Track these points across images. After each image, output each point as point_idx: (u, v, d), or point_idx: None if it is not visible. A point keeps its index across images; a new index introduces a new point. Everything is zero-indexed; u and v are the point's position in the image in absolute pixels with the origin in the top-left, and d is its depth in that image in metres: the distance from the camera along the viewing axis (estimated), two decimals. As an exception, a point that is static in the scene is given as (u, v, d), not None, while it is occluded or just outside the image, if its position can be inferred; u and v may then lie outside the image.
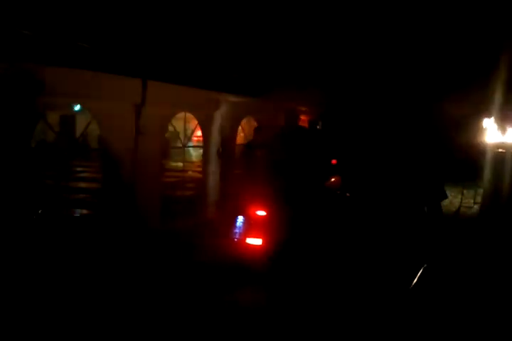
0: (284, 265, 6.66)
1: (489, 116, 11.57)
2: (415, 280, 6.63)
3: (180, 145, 10.89)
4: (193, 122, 10.97)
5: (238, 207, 7.77)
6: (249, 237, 7.11)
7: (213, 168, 10.54)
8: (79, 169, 10.48)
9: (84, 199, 9.13)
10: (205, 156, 10.64)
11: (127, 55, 7.92)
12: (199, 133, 11.01)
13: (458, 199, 13.29)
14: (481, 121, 11.79)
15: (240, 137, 12.06)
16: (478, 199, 12.69)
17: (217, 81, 9.90)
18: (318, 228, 7.13)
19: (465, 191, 13.48)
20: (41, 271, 6.03)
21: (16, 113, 6.32)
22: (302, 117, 8.60)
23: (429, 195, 8.65)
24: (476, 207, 12.63)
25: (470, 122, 12.45)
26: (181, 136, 10.99)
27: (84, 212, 8.68)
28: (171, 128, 10.35)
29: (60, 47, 6.73)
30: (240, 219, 7.58)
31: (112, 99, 7.87)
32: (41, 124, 7.37)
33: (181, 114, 10.56)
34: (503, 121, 11.54)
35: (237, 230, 7.56)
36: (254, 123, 12.27)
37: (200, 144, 10.96)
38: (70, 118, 10.46)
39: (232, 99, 10.59)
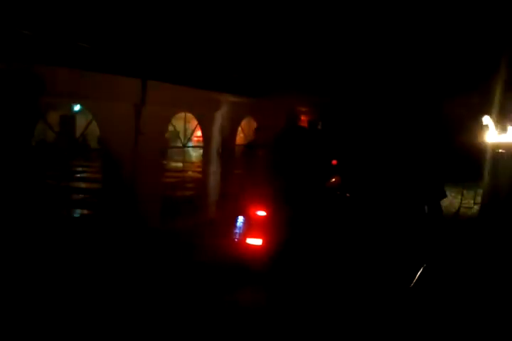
0: (285, 265, 6.66)
1: (489, 116, 11.56)
2: (415, 279, 6.63)
3: (180, 145, 10.89)
4: (193, 122, 10.98)
5: (238, 207, 7.77)
6: (249, 237, 7.11)
7: (213, 168, 10.54)
8: (79, 169, 10.48)
9: (85, 200, 9.13)
10: (205, 156, 10.65)
11: (127, 55, 7.93)
12: (199, 133, 11.01)
13: (458, 200, 13.26)
14: (481, 121, 11.78)
15: (240, 137, 12.07)
16: (478, 199, 12.65)
17: (217, 81, 9.90)
18: (319, 228, 7.13)
19: (465, 191, 13.45)
20: (42, 271, 6.03)
21: (17, 112, 6.32)
22: (302, 117, 8.59)
23: (429, 194, 8.65)
24: (476, 207, 12.60)
25: (470, 122, 12.44)
26: (181, 136, 10.99)
27: (85, 212, 8.68)
28: (170, 128, 10.35)
29: (60, 47, 6.73)
30: (241, 219, 7.59)
31: (112, 99, 7.87)
32: (41, 124, 7.37)
33: (181, 114, 10.56)
34: (503, 121, 11.53)
35: (237, 230, 7.57)
36: (254, 124, 12.27)
37: (200, 144, 10.96)
38: (70, 118, 10.46)
39: (232, 99, 10.59)
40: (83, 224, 8.04)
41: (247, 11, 9.89)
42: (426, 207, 8.79)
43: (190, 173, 11.55)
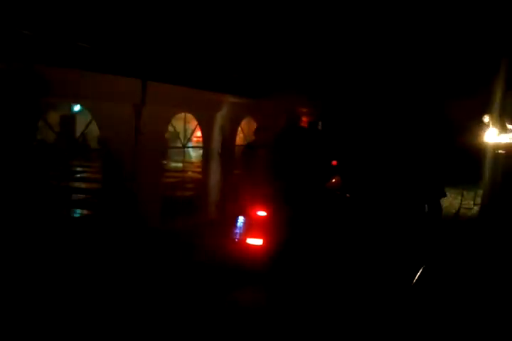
0: (285, 265, 6.66)
1: (489, 117, 11.56)
2: (415, 279, 6.64)
3: (180, 145, 10.89)
4: (193, 122, 10.98)
5: (239, 208, 7.77)
6: (249, 237, 7.11)
7: (213, 168, 10.54)
8: (79, 169, 10.45)
9: (85, 200, 9.11)
10: (205, 157, 10.64)
11: (127, 56, 7.93)
12: (199, 133, 11.01)
13: (458, 201, 13.28)
14: (482, 121, 11.78)
15: (240, 138, 12.06)
16: (478, 200, 12.67)
17: (217, 82, 9.90)
18: (319, 228, 7.12)
19: (465, 192, 13.47)
20: (42, 271, 6.02)
21: (19, 113, 6.32)
22: (302, 118, 8.59)
23: (429, 193, 8.67)
24: (475, 208, 12.61)
25: (470, 123, 12.44)
26: (181, 136, 10.99)
27: (85, 212, 8.66)
28: (170, 128, 10.35)
29: (60, 48, 6.73)
30: (241, 219, 7.59)
31: (112, 99, 7.87)
32: (41, 124, 7.36)
33: (181, 115, 10.56)
34: (503, 122, 11.54)
35: (237, 230, 7.57)
36: (254, 124, 12.26)
37: (200, 145, 10.96)
38: (70, 118, 10.45)
39: (233, 99, 10.59)
40: (83, 224, 8.03)
41: (247, 12, 9.89)
42: (426, 206, 8.81)
43: (190, 173, 11.53)
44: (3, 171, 6.11)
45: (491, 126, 11.51)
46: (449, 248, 8.29)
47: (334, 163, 8.44)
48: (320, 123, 10.07)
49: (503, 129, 11.53)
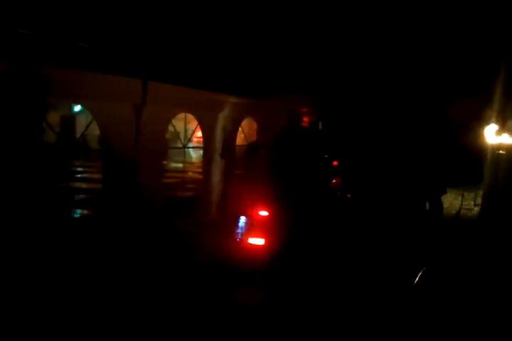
0: (287, 265, 6.64)
1: (490, 118, 11.56)
2: (416, 280, 6.63)
3: (181, 145, 10.88)
4: (193, 123, 10.97)
5: (240, 208, 7.76)
6: (251, 237, 7.10)
7: (214, 168, 10.53)
8: (80, 169, 10.47)
9: (85, 200, 9.11)
10: (206, 157, 10.63)
11: (128, 56, 7.91)
12: (199, 133, 11.00)
13: (458, 201, 13.28)
14: (482, 122, 11.78)
15: (240, 138, 12.05)
16: (479, 201, 12.68)
17: (217, 82, 9.89)
18: (320, 228, 7.11)
19: (465, 193, 13.49)
20: (43, 271, 6.00)
21: (26, 113, 6.32)
22: (303, 118, 8.58)
23: (430, 190, 8.67)
24: (476, 208, 12.62)
25: (471, 123, 12.43)
26: (181, 136, 10.99)
27: (85, 212, 8.66)
28: (171, 128, 10.34)
29: (60, 48, 6.71)
30: (243, 219, 7.58)
31: (113, 99, 7.85)
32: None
33: (181, 115, 10.55)
34: (503, 123, 11.53)
35: (239, 230, 7.56)
36: (255, 124, 12.26)
37: (201, 145, 10.95)
38: (71, 118, 10.45)
39: (233, 100, 10.58)
40: (84, 224, 8.01)
41: (248, 12, 9.89)
42: (427, 204, 8.82)
43: (190, 174, 11.54)
44: (10, 172, 6.10)
45: (491, 127, 11.52)
46: (450, 248, 8.29)
47: (335, 163, 8.44)
48: (320, 123, 10.07)
49: (504, 130, 11.54)
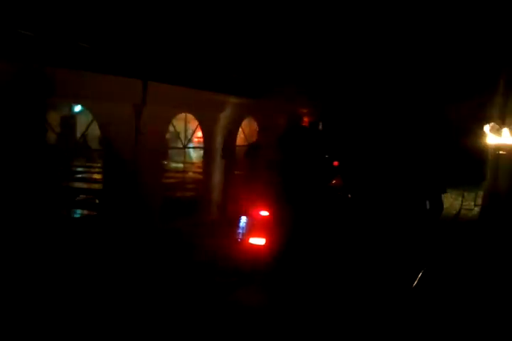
0: (287, 265, 6.64)
1: (490, 118, 11.56)
2: (416, 280, 6.63)
3: (181, 146, 10.87)
4: (194, 123, 10.96)
5: (241, 208, 7.75)
6: (252, 237, 7.09)
7: (214, 168, 10.53)
8: (80, 170, 10.47)
9: (86, 200, 9.11)
10: (206, 157, 10.63)
11: (128, 56, 7.91)
12: (199, 134, 10.99)
13: (458, 202, 13.28)
14: (482, 123, 11.78)
15: (241, 138, 12.03)
16: (479, 201, 12.67)
17: (218, 82, 9.89)
18: (321, 228, 7.11)
19: (465, 193, 13.48)
20: (44, 270, 6.00)
21: (28, 113, 6.32)
22: (304, 118, 8.58)
23: (431, 189, 8.68)
24: (476, 209, 12.60)
25: (471, 124, 12.43)
26: (182, 136, 10.97)
27: (86, 212, 8.65)
28: (171, 128, 10.33)
29: (61, 48, 6.71)
30: (243, 219, 7.58)
31: (113, 99, 7.86)
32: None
33: (182, 115, 10.54)
34: (504, 123, 11.54)
35: (240, 230, 7.55)
36: (255, 125, 12.25)
37: (201, 145, 10.94)
38: (71, 119, 10.45)
39: (233, 100, 10.58)
40: (84, 224, 8.01)
41: (249, 12, 9.89)
42: (427, 202, 8.83)
43: (190, 174, 11.52)
44: (11, 172, 6.10)
45: (492, 127, 11.51)
46: (450, 248, 8.28)
47: (335, 163, 8.43)
48: (320, 123, 10.06)
49: (504, 131, 11.53)
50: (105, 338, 4.91)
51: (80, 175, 10.21)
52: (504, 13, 10.89)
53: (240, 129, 12.03)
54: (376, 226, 7.79)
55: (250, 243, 7.07)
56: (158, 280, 6.39)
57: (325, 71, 11.32)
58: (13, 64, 6.16)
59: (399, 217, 8.14)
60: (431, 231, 8.42)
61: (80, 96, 7.48)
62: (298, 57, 10.93)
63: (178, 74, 8.89)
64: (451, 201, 13.16)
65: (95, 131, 8.67)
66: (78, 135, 9.60)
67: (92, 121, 8.50)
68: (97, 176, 9.87)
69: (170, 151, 11.10)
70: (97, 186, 9.01)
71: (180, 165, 11.23)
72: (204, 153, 10.68)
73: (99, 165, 9.67)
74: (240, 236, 7.56)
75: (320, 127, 9.91)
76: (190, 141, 11.27)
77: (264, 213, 7.21)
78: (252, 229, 7.28)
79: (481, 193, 12.49)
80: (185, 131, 11.13)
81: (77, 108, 10.40)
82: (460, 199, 13.37)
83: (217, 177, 10.58)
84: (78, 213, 8.66)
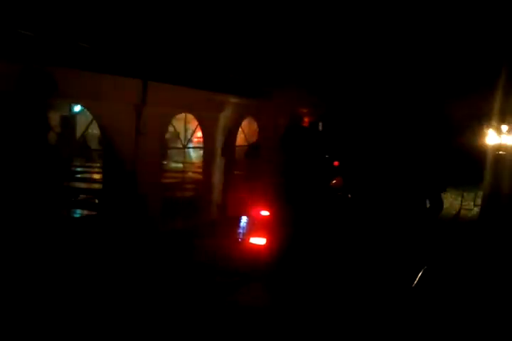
0: (288, 264, 6.63)
1: (490, 119, 11.58)
2: (416, 280, 6.63)
3: (181, 146, 10.86)
4: (193, 123, 10.95)
5: (241, 208, 7.75)
6: (253, 237, 7.09)
7: (214, 169, 10.52)
8: (80, 169, 10.46)
9: (86, 200, 9.10)
10: (206, 157, 10.62)
11: (128, 56, 7.91)
12: (199, 134, 10.99)
13: (458, 202, 13.30)
14: (482, 123, 11.80)
15: (241, 138, 12.03)
16: (478, 201, 12.70)
17: (218, 82, 9.88)
18: (321, 228, 7.10)
19: (465, 193, 13.51)
20: (44, 269, 5.99)
21: (30, 113, 6.32)
22: (304, 118, 8.58)
23: (431, 188, 8.70)
24: (476, 209, 12.63)
25: (471, 124, 12.45)
26: (181, 136, 10.97)
27: (85, 212, 8.65)
28: (171, 128, 10.33)
29: (61, 48, 6.70)
30: (244, 219, 7.58)
31: (113, 99, 7.85)
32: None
33: (181, 115, 10.54)
34: (503, 123, 11.55)
35: (241, 230, 7.55)
36: (255, 125, 12.24)
37: (201, 145, 10.94)
38: (71, 119, 10.44)
39: (233, 100, 10.57)
40: (84, 224, 8.00)
41: (249, 12, 9.89)
42: (427, 201, 8.84)
43: (190, 174, 11.51)
44: (12, 172, 6.10)
45: (491, 127, 11.52)
46: (450, 248, 8.29)
47: (336, 163, 8.43)
48: (320, 123, 10.05)
49: (504, 130, 11.54)
50: (106, 338, 4.90)
51: (79, 175, 10.19)
52: (503, 10, 10.90)
53: (240, 129, 12.02)
54: (376, 226, 7.78)
55: (251, 243, 7.07)
56: (158, 281, 6.39)
57: (325, 71, 11.31)
58: (14, 64, 6.14)
59: (399, 216, 8.13)
60: (431, 230, 8.42)
61: (80, 96, 7.47)
62: (298, 57, 10.93)
63: (178, 74, 8.88)
64: (451, 201, 13.18)
65: (95, 131, 8.66)
66: (78, 135, 9.58)
67: (92, 121, 8.49)
68: (96, 176, 9.86)
69: (170, 151, 11.09)
70: (96, 186, 9.00)
71: (180, 165, 11.21)
72: (204, 153, 10.67)
73: (99, 165, 9.65)
74: (241, 236, 7.56)
75: (320, 127, 9.90)
76: (190, 141, 11.26)
77: (265, 213, 7.21)
78: (252, 228, 7.29)
79: (480, 193, 12.53)
80: (185, 131, 11.12)
81: (77, 108, 10.38)
82: (460, 199, 13.40)
83: (217, 177, 10.57)
84: (78, 213, 8.65)
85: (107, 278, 6.28)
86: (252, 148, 8.67)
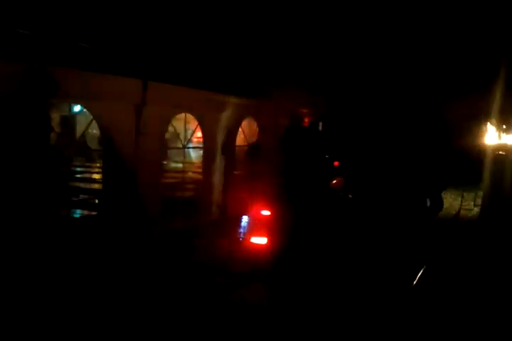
0: (289, 264, 6.63)
1: (489, 119, 11.58)
2: (416, 279, 6.63)
3: (181, 146, 10.86)
4: (193, 123, 10.95)
5: (241, 208, 7.74)
6: (254, 236, 7.08)
7: (214, 168, 10.51)
8: (80, 169, 10.46)
9: (85, 200, 9.10)
10: (206, 157, 10.61)
11: (128, 56, 7.90)
12: (199, 134, 10.98)
13: (458, 202, 13.29)
14: (482, 123, 11.81)
15: (241, 138, 12.02)
16: (478, 201, 12.69)
17: (218, 82, 9.88)
18: (322, 228, 7.10)
19: (465, 193, 13.51)
20: (44, 269, 5.98)
21: (32, 113, 6.32)
22: (304, 118, 8.58)
23: (431, 187, 8.71)
24: (476, 209, 12.62)
25: (471, 124, 12.45)
26: (181, 136, 10.96)
27: (85, 212, 8.64)
28: (171, 128, 10.32)
29: (61, 48, 6.70)
30: (245, 218, 7.57)
31: (113, 99, 7.84)
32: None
33: (181, 115, 10.53)
34: (503, 123, 11.56)
35: (241, 230, 7.55)
36: (255, 125, 12.23)
37: (201, 145, 10.93)
38: (71, 119, 10.43)
39: (234, 100, 10.57)
40: (83, 224, 7.99)
41: (249, 12, 9.89)
42: (428, 200, 8.85)
43: (190, 174, 11.51)
44: (13, 172, 6.09)
45: (491, 127, 11.53)
46: (450, 248, 8.29)
47: (336, 163, 8.43)
48: (320, 123, 10.05)
49: (504, 130, 11.55)
50: (106, 338, 4.89)
51: (79, 175, 10.19)
52: (502, 11, 10.90)
53: (240, 129, 12.02)
54: (377, 225, 7.78)
55: (252, 242, 7.06)
56: (158, 281, 6.38)
57: (325, 71, 11.32)
58: (16, 64, 6.14)
59: (400, 215, 8.14)
60: (431, 229, 8.43)
61: (80, 96, 7.46)
62: (297, 57, 10.93)
63: (178, 74, 8.88)
64: (451, 201, 13.17)
65: (95, 131, 8.66)
66: (78, 135, 9.58)
67: (91, 121, 8.48)
68: (96, 176, 9.86)
69: (169, 151, 11.08)
70: (96, 186, 9.00)
71: (180, 165, 11.21)
72: (204, 153, 10.66)
73: (98, 165, 9.65)
74: (242, 236, 7.55)
75: (320, 127, 9.90)
76: (189, 141, 11.26)
77: (266, 212, 7.20)
78: (253, 228, 7.28)
79: (480, 193, 12.52)
80: (185, 131, 11.12)
81: (77, 108, 10.37)
82: (459, 199, 13.40)
83: (217, 177, 10.56)
84: (78, 213, 8.65)
85: (107, 278, 6.28)
86: (252, 148, 8.66)
